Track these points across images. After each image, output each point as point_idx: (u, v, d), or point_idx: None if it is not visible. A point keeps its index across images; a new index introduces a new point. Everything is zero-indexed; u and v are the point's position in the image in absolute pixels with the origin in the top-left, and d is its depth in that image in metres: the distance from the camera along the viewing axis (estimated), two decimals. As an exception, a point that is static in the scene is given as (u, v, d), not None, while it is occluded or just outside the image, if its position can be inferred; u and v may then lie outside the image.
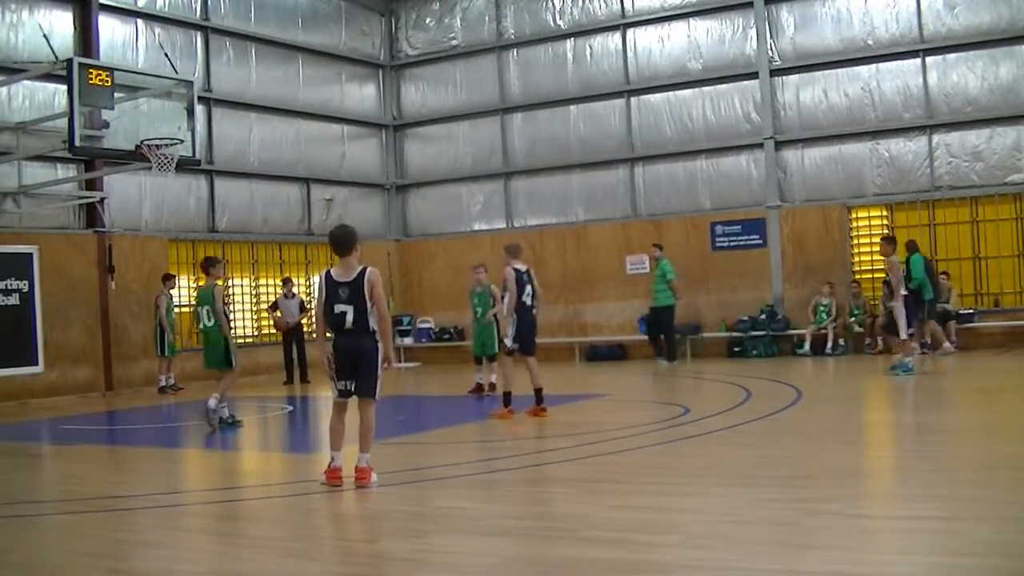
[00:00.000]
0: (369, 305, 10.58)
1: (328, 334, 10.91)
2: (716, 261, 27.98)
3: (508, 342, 16.43)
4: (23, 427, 19.10)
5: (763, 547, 7.54)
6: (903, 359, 19.62)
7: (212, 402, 16.26)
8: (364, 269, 10.70)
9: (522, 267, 16.30)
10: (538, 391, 16.13)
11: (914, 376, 19.13)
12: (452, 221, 32.94)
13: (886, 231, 25.52)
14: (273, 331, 27.97)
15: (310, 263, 30.56)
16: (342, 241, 10.76)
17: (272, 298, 28.38)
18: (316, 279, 10.60)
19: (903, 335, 19.74)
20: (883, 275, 22.44)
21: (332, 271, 10.77)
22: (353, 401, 10.74)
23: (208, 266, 17.24)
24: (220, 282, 17.55)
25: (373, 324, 10.63)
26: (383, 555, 8.22)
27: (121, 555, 8.63)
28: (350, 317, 10.53)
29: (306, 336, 26.34)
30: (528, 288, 16.17)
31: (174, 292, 25.04)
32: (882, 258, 20.63)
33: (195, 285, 27.02)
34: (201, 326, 17.05)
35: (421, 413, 19.47)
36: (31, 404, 22.54)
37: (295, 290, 27.15)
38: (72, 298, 24.02)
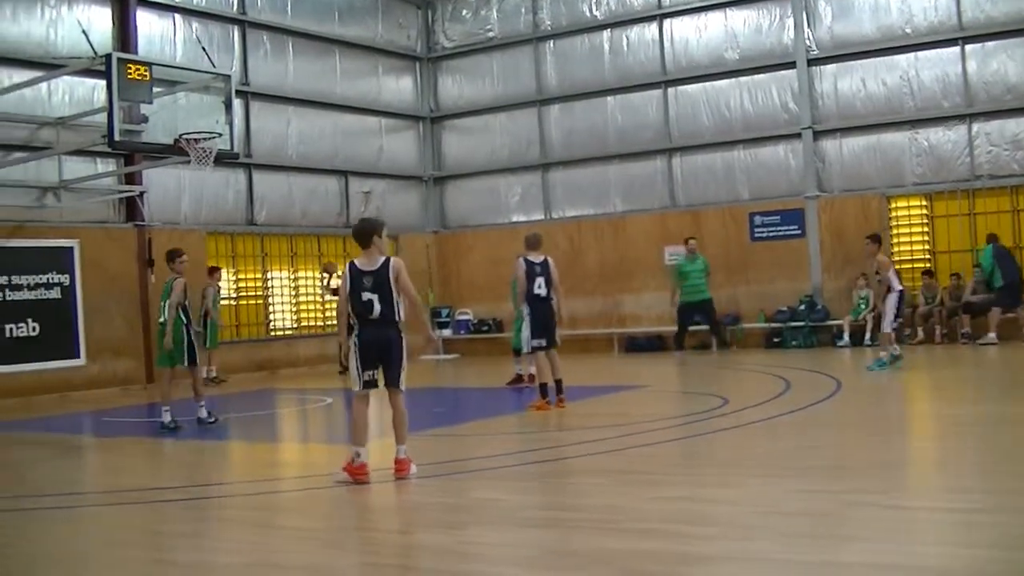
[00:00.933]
0: (395, 294, 10.65)
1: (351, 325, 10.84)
2: (755, 252, 27.89)
3: (526, 347, 16.51)
4: (65, 419, 19.24)
5: (803, 538, 7.53)
6: (881, 354, 19.88)
7: (203, 412, 16.44)
8: (388, 259, 10.76)
9: (537, 258, 16.19)
10: (558, 382, 16.09)
11: (887, 370, 19.13)
12: (490, 213, 32.95)
13: (925, 221, 25.45)
14: (311, 323, 28.14)
15: (348, 255, 30.44)
16: (362, 233, 10.82)
17: (316, 288, 28.81)
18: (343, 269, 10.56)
19: (887, 328, 19.85)
20: (924, 265, 22.48)
21: (356, 261, 10.81)
22: (376, 394, 10.77)
23: (169, 259, 16.94)
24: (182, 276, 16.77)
25: (399, 314, 10.68)
26: (420, 547, 8.24)
27: (161, 546, 8.71)
28: (377, 306, 10.54)
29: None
30: (540, 279, 16.06)
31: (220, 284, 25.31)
32: (873, 257, 20.50)
33: (234, 278, 27.27)
34: (161, 320, 16.48)
35: (459, 405, 19.48)
36: (72, 396, 22.69)
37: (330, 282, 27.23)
38: (112, 291, 24.17)
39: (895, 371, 19.03)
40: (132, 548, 8.61)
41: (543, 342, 16.04)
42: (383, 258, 10.75)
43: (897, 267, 25.38)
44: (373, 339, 10.61)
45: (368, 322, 10.61)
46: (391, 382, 10.71)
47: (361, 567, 7.60)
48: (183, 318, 16.23)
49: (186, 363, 16.26)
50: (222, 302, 25.45)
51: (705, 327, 26.41)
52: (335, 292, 26.83)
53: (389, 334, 10.66)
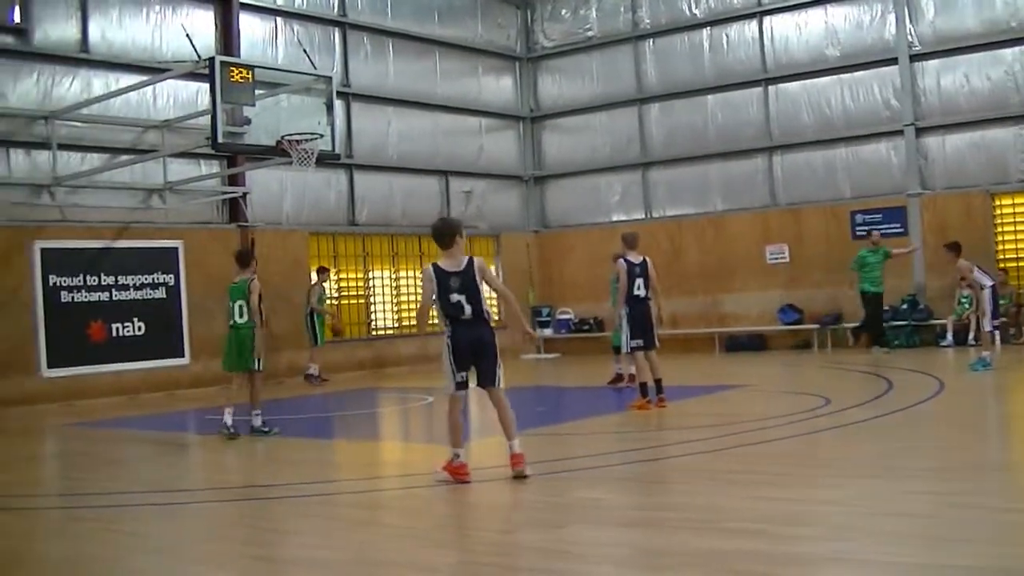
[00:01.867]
0: (483, 292, 10.61)
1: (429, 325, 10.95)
2: (856, 250, 27.60)
3: (625, 347, 16.47)
4: (170, 418, 19.57)
5: (905, 540, 7.48)
6: (984, 354, 19.56)
7: (257, 420, 15.59)
8: (470, 258, 10.68)
9: (636, 258, 16.16)
10: (658, 382, 16.09)
11: (991, 370, 18.88)
12: (590, 212, 32.96)
13: None
14: (412, 323, 28.41)
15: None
16: (444, 233, 10.71)
17: (418, 288, 29.03)
18: (423, 272, 10.46)
19: (987, 327, 19.76)
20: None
21: (440, 263, 10.63)
22: (474, 394, 10.83)
23: (247, 259, 16.53)
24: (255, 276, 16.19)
25: (488, 312, 10.67)
26: (521, 545, 8.29)
27: (265, 543, 8.84)
28: (467, 306, 10.47)
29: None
30: (639, 280, 16.06)
31: (326, 284, 25.64)
32: (959, 265, 20.27)
33: (336, 278, 27.54)
34: (232, 323, 15.77)
35: (560, 404, 19.53)
36: (178, 395, 23.06)
37: None
38: (215, 292, 24.32)
39: (995, 371, 18.84)
40: (232, 543, 8.77)
41: (641, 343, 16.04)
42: (466, 258, 10.66)
43: (1001, 265, 25.16)
44: (467, 340, 10.54)
45: (460, 323, 10.54)
46: (489, 381, 10.67)
47: (461, 565, 7.66)
48: (253, 321, 15.68)
49: (257, 367, 15.67)
50: (328, 302, 25.80)
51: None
52: None
53: (483, 333, 10.63)
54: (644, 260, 16.21)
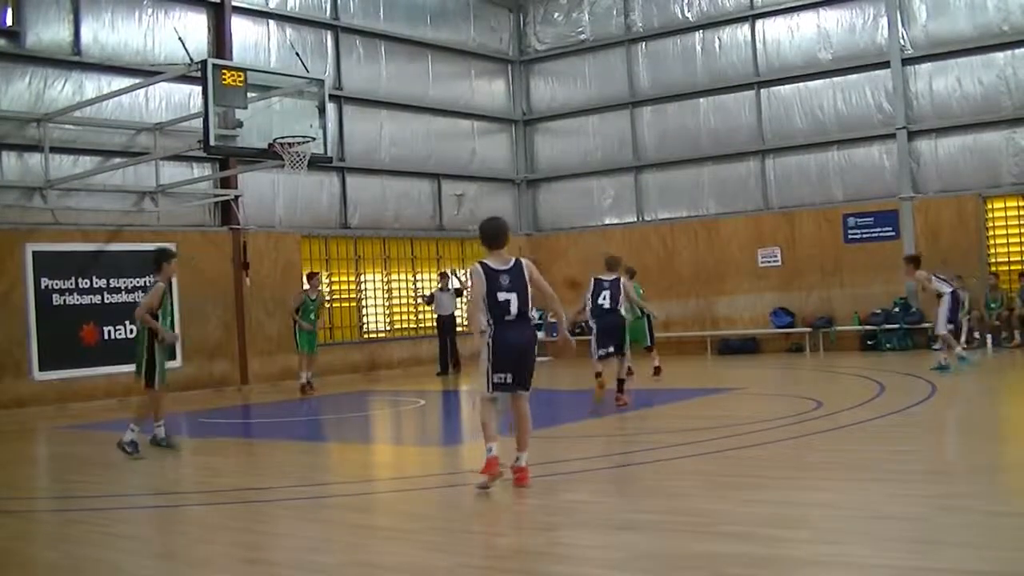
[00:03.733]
0: (530, 292, 10.47)
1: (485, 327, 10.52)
2: (849, 253, 27.70)
3: (594, 357, 17.34)
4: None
5: (897, 543, 7.49)
6: (943, 358, 19.91)
7: (127, 435, 13.83)
8: (517, 259, 10.58)
9: (608, 277, 17.30)
10: (620, 382, 17.14)
11: (951, 373, 19.08)
12: (583, 215, 33.01)
13: (1022, 222, 25.14)
14: (404, 325, 28.48)
15: (441, 258, 30.81)
16: (499, 233, 10.62)
17: (410, 291, 29.45)
18: (471, 270, 10.13)
19: (940, 330, 20.13)
20: (1022, 267, 22.22)
21: (488, 261, 10.46)
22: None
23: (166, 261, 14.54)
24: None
25: (532, 312, 10.67)
26: (515, 548, 8.30)
27: (257, 546, 8.85)
28: (514, 305, 10.30)
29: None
30: (606, 293, 17.07)
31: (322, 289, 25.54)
32: (916, 276, 20.40)
33: (328, 281, 27.50)
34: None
35: (553, 407, 19.54)
36: (169, 398, 22.95)
37: (450, 284, 27.69)
38: (208, 294, 24.54)
39: (961, 373, 18.93)
40: (226, 546, 8.78)
41: (610, 349, 17.19)
42: (513, 258, 10.55)
43: (993, 269, 25.19)
44: (513, 340, 10.36)
45: (505, 323, 10.34)
46: (523, 385, 10.49)
47: (455, 568, 7.64)
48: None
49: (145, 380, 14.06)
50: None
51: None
52: (429, 301, 27.28)
53: (528, 333, 10.57)
54: (617, 278, 17.33)
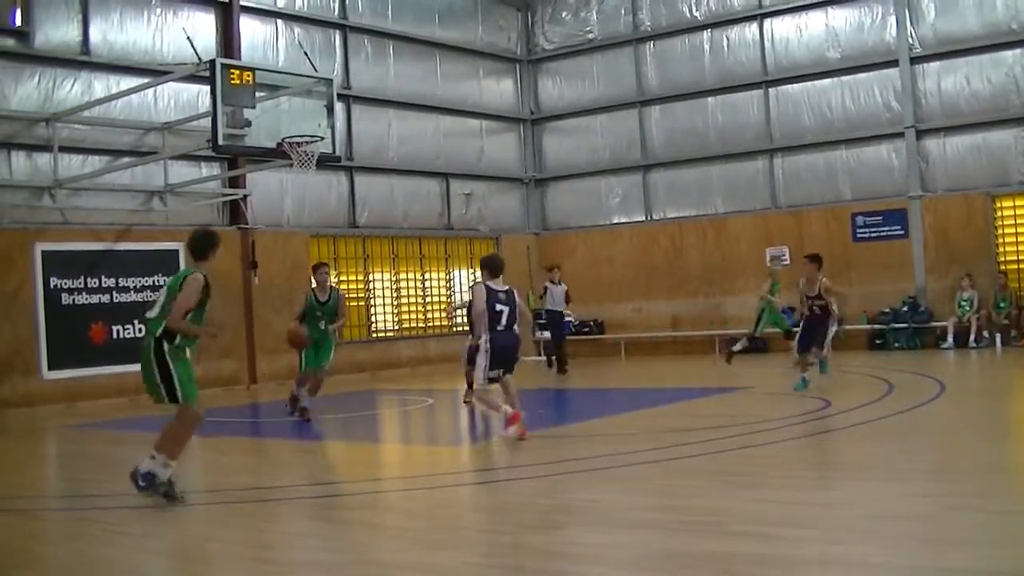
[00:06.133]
0: (518, 310, 13.77)
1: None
2: (857, 252, 27.66)
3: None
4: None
5: (905, 542, 7.49)
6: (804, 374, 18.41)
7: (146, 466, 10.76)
8: (510, 287, 13.86)
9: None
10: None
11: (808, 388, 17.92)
12: (591, 214, 33.00)
13: None
14: (412, 325, 28.51)
15: (450, 257, 30.84)
16: (501, 266, 13.89)
17: (418, 290, 29.46)
18: (475, 286, 13.98)
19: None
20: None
21: (488, 283, 13.62)
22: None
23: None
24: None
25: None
26: (522, 547, 8.26)
27: (266, 545, 8.85)
28: (506, 316, 13.53)
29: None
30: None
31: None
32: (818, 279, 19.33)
33: (336, 280, 27.45)
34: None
35: (561, 406, 19.55)
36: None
37: (554, 278, 26.22)
38: (217, 293, 24.49)
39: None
40: (234, 546, 8.76)
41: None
42: (507, 285, 13.82)
43: (1002, 268, 25.15)
44: (507, 343, 13.62)
45: (499, 331, 13.52)
46: (509, 371, 13.78)
47: (464, 567, 7.64)
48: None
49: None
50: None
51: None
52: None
53: (515, 340, 13.86)
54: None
